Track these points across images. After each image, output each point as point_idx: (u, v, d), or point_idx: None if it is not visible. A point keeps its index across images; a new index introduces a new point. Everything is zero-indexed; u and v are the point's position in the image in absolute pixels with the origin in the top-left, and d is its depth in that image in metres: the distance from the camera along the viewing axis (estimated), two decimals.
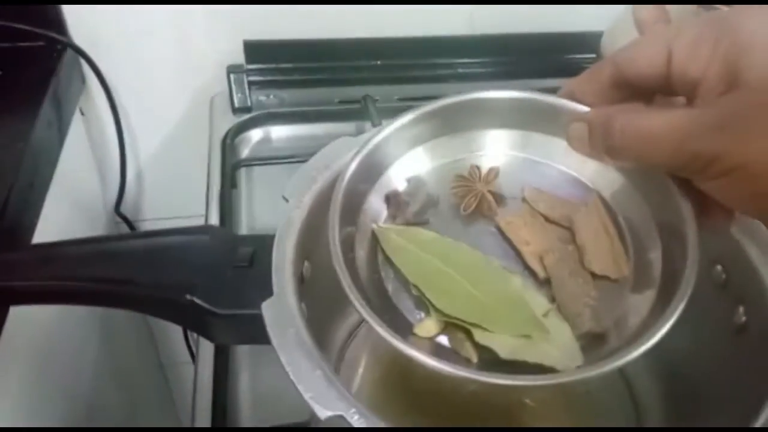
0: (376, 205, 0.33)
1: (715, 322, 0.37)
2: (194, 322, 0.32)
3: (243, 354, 0.49)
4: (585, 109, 0.29)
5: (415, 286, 0.30)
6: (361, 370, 0.45)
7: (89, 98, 0.72)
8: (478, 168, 0.33)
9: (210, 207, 0.60)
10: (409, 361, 0.45)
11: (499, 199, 0.33)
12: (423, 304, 0.30)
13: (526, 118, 0.32)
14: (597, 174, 0.31)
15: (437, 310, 0.29)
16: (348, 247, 0.30)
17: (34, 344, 0.48)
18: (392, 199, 0.33)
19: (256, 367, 0.49)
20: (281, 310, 0.29)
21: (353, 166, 0.32)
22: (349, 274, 0.28)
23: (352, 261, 0.30)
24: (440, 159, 0.34)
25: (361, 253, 0.31)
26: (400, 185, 0.33)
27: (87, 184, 0.74)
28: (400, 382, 0.45)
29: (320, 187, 0.37)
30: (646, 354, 0.42)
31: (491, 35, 0.71)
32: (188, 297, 0.31)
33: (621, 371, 0.44)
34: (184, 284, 0.31)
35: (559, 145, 0.31)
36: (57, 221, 0.55)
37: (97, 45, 0.67)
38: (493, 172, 0.33)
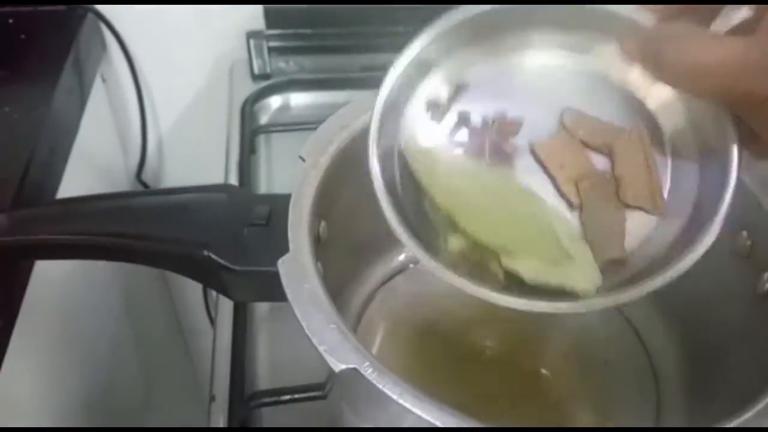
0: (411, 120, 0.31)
1: (738, 289, 0.36)
2: (211, 278, 0.32)
3: (261, 319, 0.50)
4: (644, 22, 0.27)
5: (443, 209, 0.29)
6: (378, 338, 0.45)
7: (110, 65, 0.72)
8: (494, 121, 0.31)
9: (229, 172, 0.60)
10: (427, 326, 0.46)
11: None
12: (449, 227, 0.29)
13: (580, 23, 0.29)
14: (646, 83, 0.29)
15: (464, 233, 0.28)
16: (385, 167, 0.30)
17: (56, 310, 0.49)
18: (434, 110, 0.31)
19: (274, 332, 0.49)
20: (297, 267, 0.29)
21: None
22: (387, 194, 0.28)
23: (391, 183, 0.29)
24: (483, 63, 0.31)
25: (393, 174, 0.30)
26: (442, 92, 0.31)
27: (108, 151, 0.75)
28: (418, 348, 0.45)
29: (337, 148, 0.37)
30: (666, 307, 0.42)
31: None
32: (205, 253, 0.31)
33: (641, 340, 0.44)
34: (202, 240, 0.32)
35: (611, 53, 0.29)
36: (78, 188, 0.55)
37: (118, 11, 0.67)
38: (514, 125, 0.31)
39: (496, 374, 0.43)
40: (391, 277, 0.47)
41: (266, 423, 0.45)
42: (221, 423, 0.43)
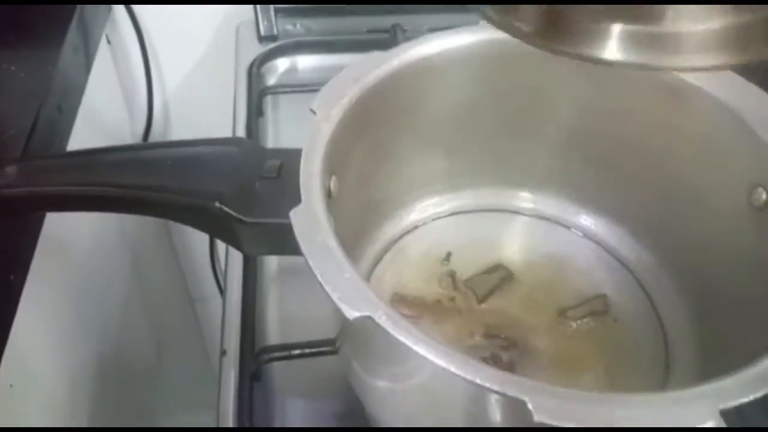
0: None
1: (751, 245, 0.36)
2: (223, 230, 0.32)
3: (271, 279, 0.50)
4: None
5: None
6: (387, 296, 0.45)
7: (115, 27, 0.71)
8: None
9: (236, 133, 0.60)
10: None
11: None
12: None
13: None
14: None
15: None
16: None
17: (66, 268, 0.49)
18: None
19: (283, 290, 0.49)
20: (309, 218, 0.29)
21: None
22: None
23: None
24: None
25: None
26: None
27: (115, 113, 0.74)
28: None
29: (349, 101, 0.36)
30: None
31: None
32: (217, 205, 0.31)
33: (650, 298, 0.44)
34: (213, 192, 0.31)
35: None
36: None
37: None
38: None
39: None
40: (400, 237, 0.47)
41: (276, 378, 0.45)
42: (232, 376, 0.44)
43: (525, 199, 0.49)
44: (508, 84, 0.42)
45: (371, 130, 0.39)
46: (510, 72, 0.41)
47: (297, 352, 0.43)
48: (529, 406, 0.23)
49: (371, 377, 0.33)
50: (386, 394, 0.33)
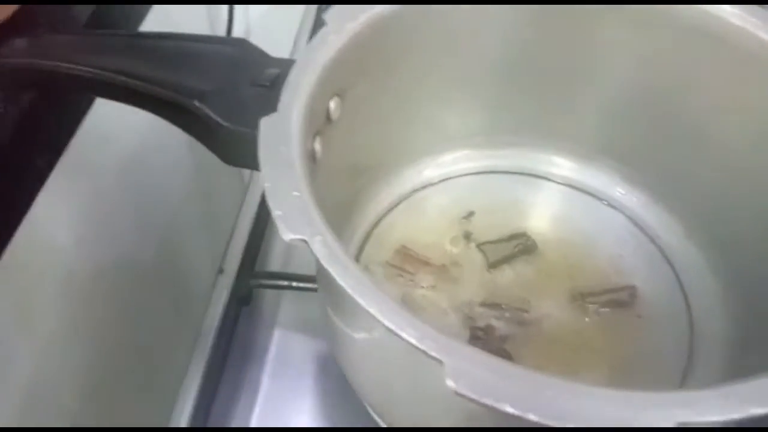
0: None
1: None
2: (202, 133, 0.30)
3: None
4: None
5: None
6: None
7: None
8: None
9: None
10: None
11: None
12: None
13: None
14: None
15: None
16: None
17: (104, 170, 0.49)
18: None
19: None
20: (279, 128, 0.27)
21: None
22: None
23: None
24: None
25: None
26: None
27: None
28: None
29: (373, 17, 0.33)
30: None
31: None
32: (197, 103, 0.29)
33: (686, 301, 0.38)
34: (197, 91, 0.29)
35: None
36: None
37: None
38: None
39: None
40: (423, 187, 0.44)
41: (266, 306, 0.44)
42: (223, 297, 0.43)
43: (565, 167, 0.44)
44: (559, 34, 0.37)
45: (395, 59, 0.36)
46: (562, 19, 0.36)
47: (284, 283, 0.42)
48: (446, 370, 0.20)
49: (329, 319, 0.31)
50: (342, 340, 0.31)
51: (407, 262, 0.40)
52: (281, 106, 0.27)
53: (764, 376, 0.20)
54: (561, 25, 0.37)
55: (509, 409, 0.19)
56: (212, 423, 0.38)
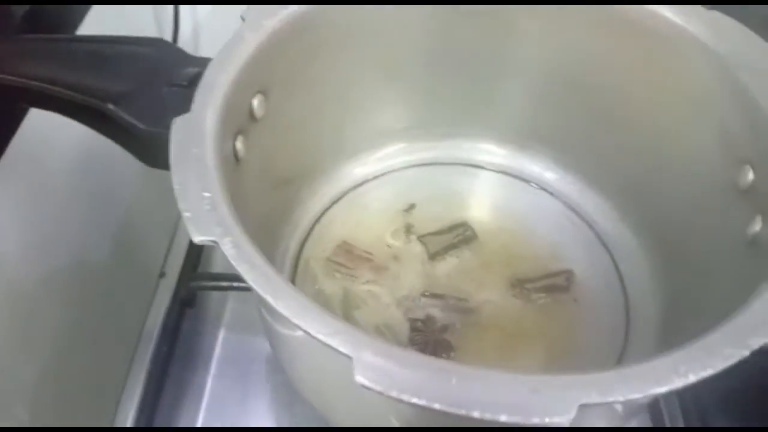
0: None
1: (726, 226, 0.30)
2: (119, 135, 0.30)
3: None
4: None
5: None
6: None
7: None
8: None
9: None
10: None
11: None
12: None
13: None
14: None
15: None
16: None
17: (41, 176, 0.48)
18: None
19: None
20: (192, 129, 0.26)
21: None
22: None
23: None
24: None
25: None
26: None
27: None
28: None
29: (293, 14, 0.33)
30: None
31: None
32: (111, 106, 0.28)
33: (622, 282, 0.39)
34: (112, 93, 0.29)
35: None
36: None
37: None
38: None
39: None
40: (363, 182, 0.44)
41: (211, 308, 0.44)
42: (166, 300, 0.42)
43: (501, 155, 0.44)
44: (478, 27, 0.37)
45: (320, 56, 0.36)
46: (480, 14, 0.36)
47: (226, 284, 0.41)
48: (354, 364, 0.20)
49: (263, 317, 0.30)
50: (276, 338, 0.31)
51: (348, 257, 0.40)
52: (195, 105, 0.27)
53: (663, 356, 0.20)
54: (479, 19, 0.37)
55: (415, 400, 0.19)
56: (157, 424, 0.38)
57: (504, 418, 0.18)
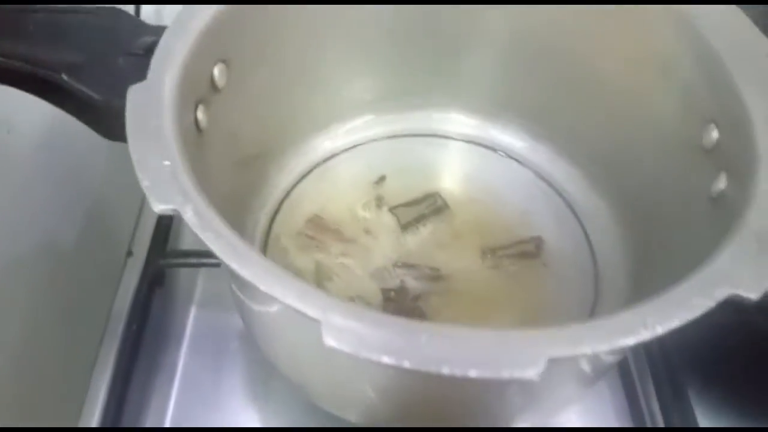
0: None
1: (691, 184, 0.31)
2: (74, 107, 0.29)
3: None
4: None
5: None
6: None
7: None
8: None
9: None
10: None
11: None
12: None
13: None
14: None
15: None
16: None
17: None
18: None
19: None
20: (149, 98, 0.25)
21: None
22: None
23: None
24: None
25: None
26: None
27: None
28: None
29: None
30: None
31: None
32: (64, 77, 0.27)
33: (590, 245, 0.39)
34: (64, 64, 0.28)
35: None
36: None
37: None
38: None
39: None
40: (333, 155, 0.43)
41: (182, 285, 0.43)
42: (134, 280, 0.42)
43: (470, 125, 0.44)
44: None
45: (284, 25, 0.35)
46: None
47: (195, 260, 0.41)
48: (323, 327, 0.19)
49: (233, 291, 0.30)
50: (247, 311, 0.30)
51: (319, 230, 0.40)
52: (151, 74, 0.26)
53: (630, 309, 0.21)
54: None
55: (385, 359, 0.19)
56: (129, 406, 0.37)
57: (473, 374, 0.18)
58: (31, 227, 0.44)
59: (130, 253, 0.43)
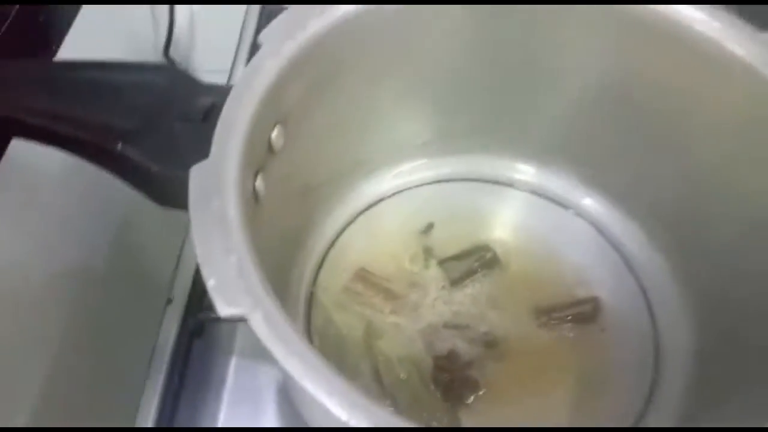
0: None
1: None
2: (130, 176, 0.27)
3: None
4: None
5: None
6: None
7: None
8: None
9: (238, 60, 0.55)
10: None
11: None
12: None
13: None
14: None
15: None
16: None
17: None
18: None
19: None
20: (212, 178, 0.24)
21: None
22: None
23: None
24: None
25: None
26: None
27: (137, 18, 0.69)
28: None
29: (310, 36, 0.30)
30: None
31: None
32: (119, 146, 0.26)
33: (651, 313, 0.37)
34: (120, 130, 0.26)
35: None
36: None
37: None
38: None
39: None
40: (379, 201, 0.42)
41: (221, 336, 0.42)
42: (173, 331, 0.40)
43: (525, 173, 0.42)
44: (512, 34, 0.35)
45: (340, 73, 0.33)
46: (514, 20, 0.34)
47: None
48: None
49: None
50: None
51: (366, 286, 0.38)
52: (214, 150, 0.25)
53: None
54: (518, 25, 0.35)
55: None
56: None
57: None
58: (66, 257, 0.43)
59: (169, 301, 0.41)
